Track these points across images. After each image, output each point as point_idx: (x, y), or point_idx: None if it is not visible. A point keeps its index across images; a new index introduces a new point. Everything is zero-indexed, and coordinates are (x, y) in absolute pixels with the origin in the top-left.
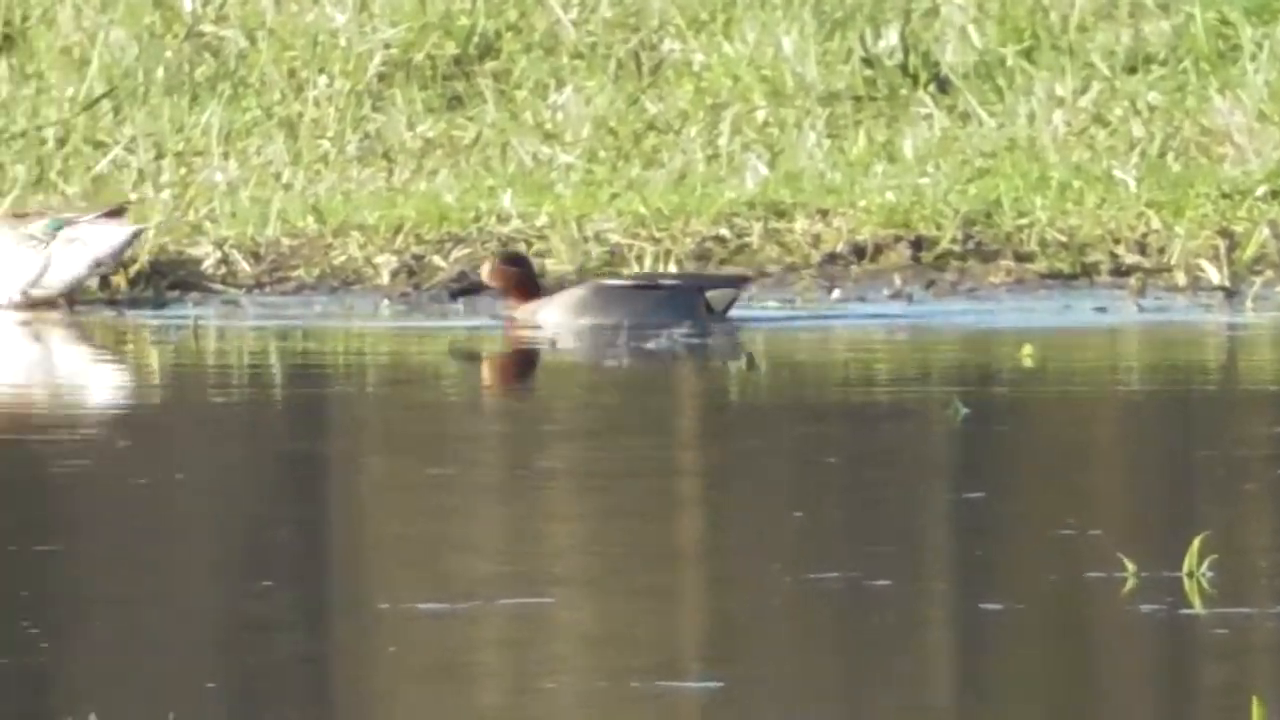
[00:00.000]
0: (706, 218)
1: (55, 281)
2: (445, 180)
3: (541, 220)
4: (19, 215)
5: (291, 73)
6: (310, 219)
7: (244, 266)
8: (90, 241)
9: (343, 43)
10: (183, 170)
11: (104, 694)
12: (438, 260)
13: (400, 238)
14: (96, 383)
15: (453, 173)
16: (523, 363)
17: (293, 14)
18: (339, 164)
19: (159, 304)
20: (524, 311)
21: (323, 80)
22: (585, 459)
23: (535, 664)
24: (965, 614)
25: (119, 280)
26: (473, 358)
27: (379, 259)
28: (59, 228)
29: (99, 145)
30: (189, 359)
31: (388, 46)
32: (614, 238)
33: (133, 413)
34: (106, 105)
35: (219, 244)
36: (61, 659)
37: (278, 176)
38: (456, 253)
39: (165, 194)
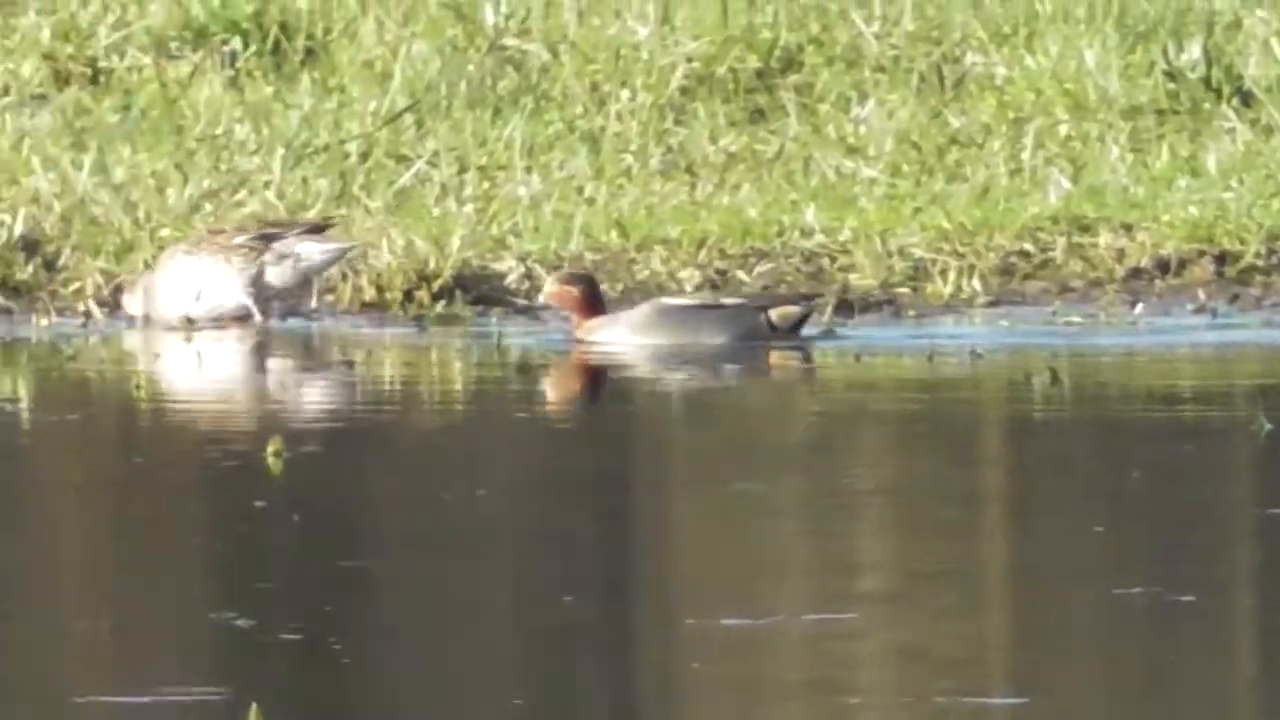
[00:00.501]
0: (1010, 232)
1: (264, 295)
2: (748, 194)
3: (844, 235)
4: (215, 231)
5: (594, 86)
6: (613, 233)
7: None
8: (303, 257)
9: (645, 56)
10: (485, 184)
11: (409, 709)
12: (741, 275)
13: (703, 252)
14: (398, 398)
15: (755, 187)
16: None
17: (595, 27)
18: (641, 178)
19: (462, 319)
20: (586, 329)
21: (625, 94)
22: (888, 475)
23: (839, 680)
24: (1269, 630)
25: (422, 295)
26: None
27: (682, 273)
28: (267, 242)
29: (401, 159)
30: (492, 374)
31: (690, 60)
32: (917, 252)
33: (435, 428)
34: (409, 119)
35: (522, 258)
36: (367, 675)
37: (580, 190)
38: (760, 267)
39: (468, 208)
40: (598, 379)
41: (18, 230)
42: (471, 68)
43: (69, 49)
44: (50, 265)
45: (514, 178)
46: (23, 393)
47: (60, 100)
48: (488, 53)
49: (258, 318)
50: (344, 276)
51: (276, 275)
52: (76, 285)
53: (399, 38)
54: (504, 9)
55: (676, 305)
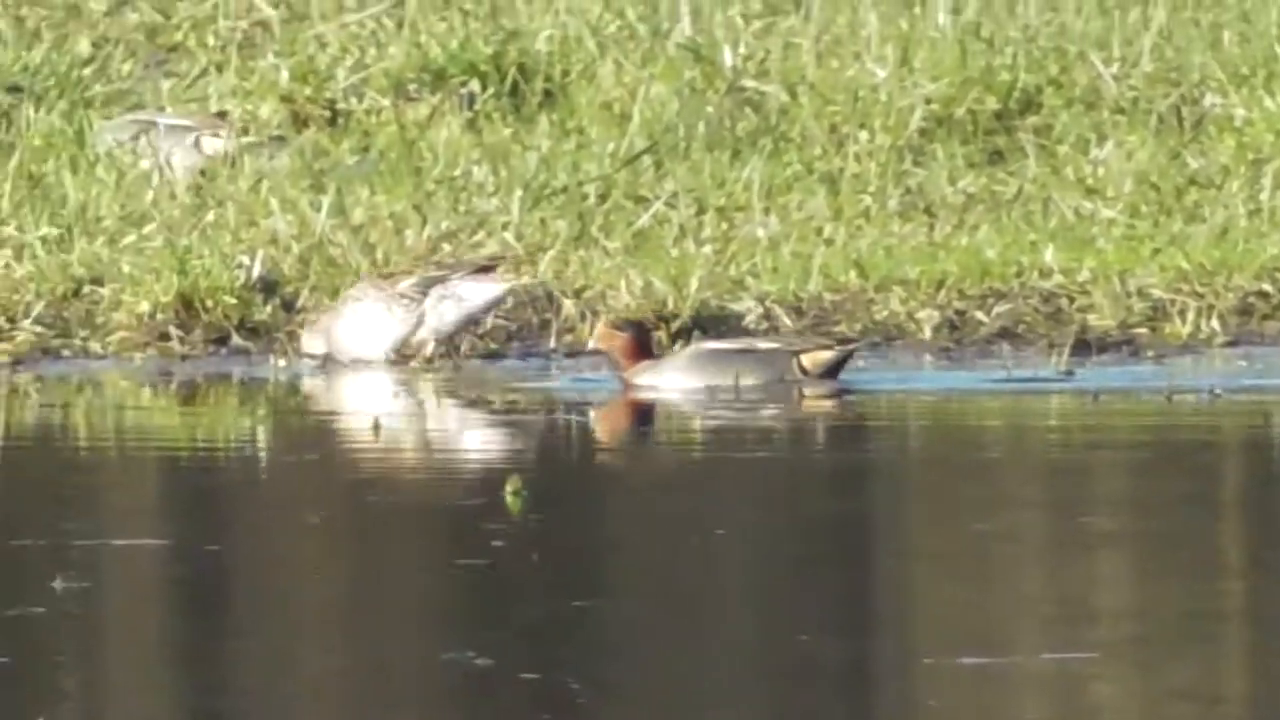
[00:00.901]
0: (1249, 273)
1: (427, 337)
2: (986, 235)
3: (1083, 275)
4: (385, 276)
5: (832, 128)
6: (852, 274)
7: (786, 321)
8: (464, 298)
9: (883, 98)
10: (724, 225)
11: None
12: (979, 315)
13: (942, 293)
14: (636, 438)
15: (994, 228)
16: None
17: (833, 69)
18: (880, 219)
19: None
20: (633, 373)
21: (864, 135)
22: (1126, 515)
23: None
24: None
25: (661, 335)
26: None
27: (921, 314)
28: (431, 286)
29: (640, 200)
30: (732, 414)
31: (928, 102)
32: (1156, 293)
33: (674, 468)
34: (647, 160)
35: (761, 299)
36: (602, 715)
37: (819, 231)
38: (998, 308)
39: (706, 249)
40: (833, 420)
41: (256, 271)
42: (710, 109)
43: (307, 91)
44: (288, 306)
45: (752, 219)
46: (261, 433)
47: (299, 142)
48: (726, 94)
49: (386, 358)
50: (583, 316)
51: (438, 318)
52: None
53: (637, 79)
54: (742, 50)
55: (713, 349)
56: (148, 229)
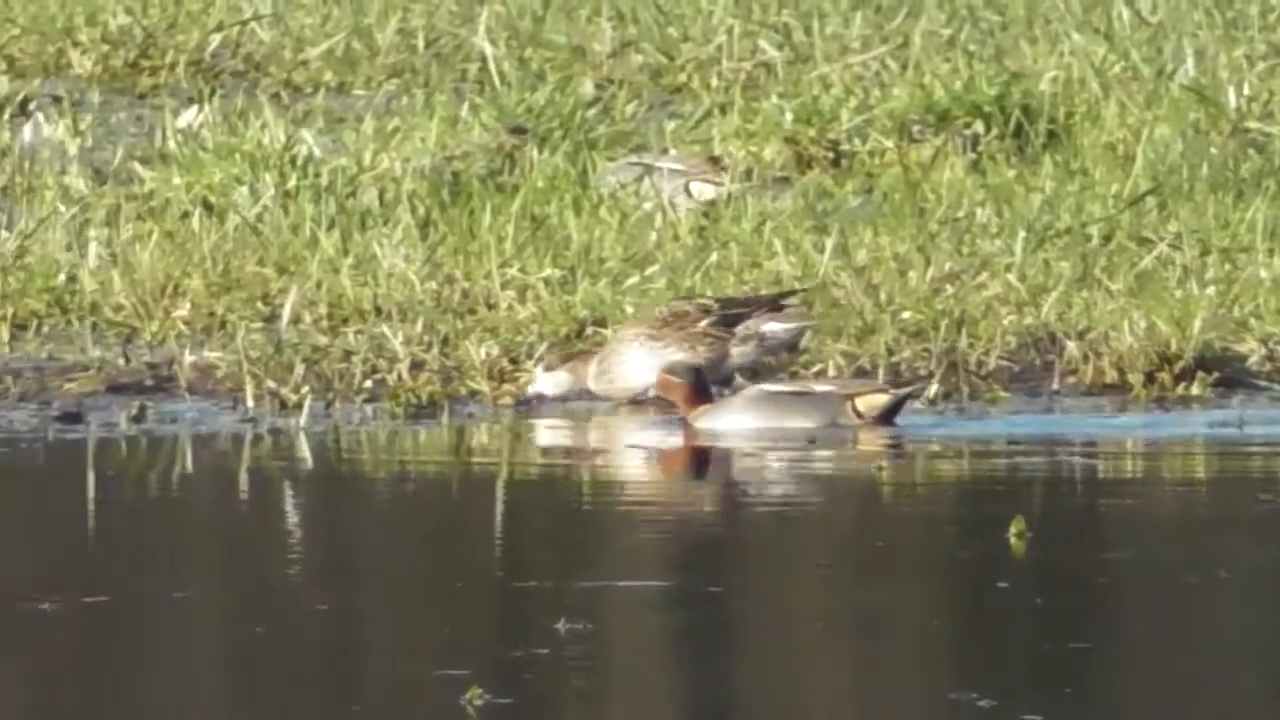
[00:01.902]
0: None
1: (723, 376)
2: None
3: None
4: (678, 314)
5: None
6: None
7: None
8: (766, 336)
9: None
10: (1227, 266)
11: None
12: None
13: None
14: (1140, 480)
15: None
16: None
17: None
18: None
19: (1203, 401)
20: (694, 416)
21: None
22: None
23: None
24: None
25: (1164, 377)
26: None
27: None
28: (729, 324)
29: (1144, 242)
30: (1236, 459)
31: None
32: None
33: (1178, 510)
34: (1151, 202)
35: (1264, 340)
36: None
37: None
38: None
39: (1210, 290)
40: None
41: None
42: (1214, 150)
43: (811, 132)
44: (790, 347)
45: (1256, 260)
46: (759, 473)
47: (802, 183)
48: (1230, 135)
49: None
50: (1085, 358)
51: (740, 356)
52: (818, 368)
53: (1141, 120)
54: (1247, 92)
55: (771, 391)
56: (650, 270)
